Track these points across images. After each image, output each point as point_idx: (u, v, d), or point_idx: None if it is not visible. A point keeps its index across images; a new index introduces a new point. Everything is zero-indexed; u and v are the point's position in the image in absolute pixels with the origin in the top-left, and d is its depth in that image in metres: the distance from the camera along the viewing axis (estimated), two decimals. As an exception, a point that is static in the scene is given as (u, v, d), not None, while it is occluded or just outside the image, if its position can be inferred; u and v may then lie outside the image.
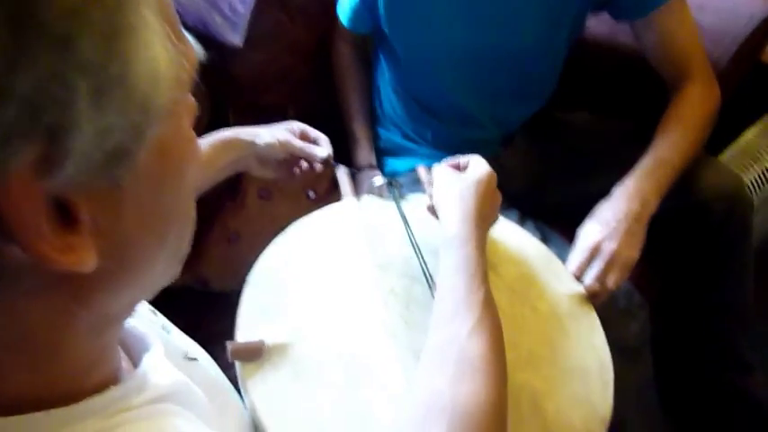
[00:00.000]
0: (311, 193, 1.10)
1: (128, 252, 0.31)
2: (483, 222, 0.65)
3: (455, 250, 0.60)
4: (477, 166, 0.70)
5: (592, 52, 1.11)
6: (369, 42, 1.13)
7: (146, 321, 0.46)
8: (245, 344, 0.55)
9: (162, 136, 0.29)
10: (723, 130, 0.99)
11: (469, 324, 0.53)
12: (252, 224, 1.04)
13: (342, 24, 1.06)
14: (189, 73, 0.30)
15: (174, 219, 0.34)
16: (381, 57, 1.07)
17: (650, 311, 0.90)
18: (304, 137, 0.84)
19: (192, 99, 0.34)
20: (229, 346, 0.54)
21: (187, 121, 0.33)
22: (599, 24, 1.11)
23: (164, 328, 0.50)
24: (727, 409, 1.08)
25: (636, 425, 0.86)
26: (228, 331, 0.61)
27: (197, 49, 0.33)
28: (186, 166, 0.33)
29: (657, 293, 1.02)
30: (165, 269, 0.35)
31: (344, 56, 1.11)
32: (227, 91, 1.09)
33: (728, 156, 1.19)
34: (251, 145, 0.79)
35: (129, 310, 0.36)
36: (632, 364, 0.85)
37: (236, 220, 1.04)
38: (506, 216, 0.92)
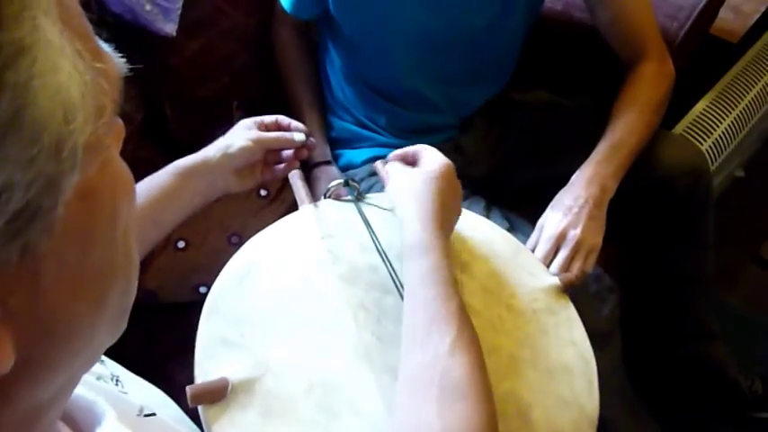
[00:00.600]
0: (263, 192, 1.03)
1: (56, 330, 0.25)
2: (445, 222, 0.60)
3: (419, 260, 0.55)
4: (430, 159, 0.64)
5: (546, 30, 1.08)
6: (312, 27, 1.06)
7: (91, 379, 0.40)
8: (206, 384, 0.49)
9: (85, 180, 0.23)
10: (675, 103, 0.98)
11: (448, 340, 0.49)
12: (199, 229, 0.96)
13: (283, 9, 0.98)
14: (111, 96, 0.24)
15: (112, 274, 0.27)
16: (329, 42, 1.00)
17: (620, 293, 0.89)
18: (263, 128, 0.77)
19: (120, 122, 0.27)
20: (189, 390, 0.48)
21: (115, 151, 0.27)
22: (553, 1, 1.08)
23: (112, 377, 0.43)
24: (692, 377, 1.10)
25: (607, 407, 0.86)
26: (186, 344, 0.55)
27: (119, 63, 0.26)
28: (120, 208, 0.27)
29: (625, 273, 1.01)
30: (109, 333, 0.29)
31: (288, 43, 1.03)
32: (161, 84, 1.00)
33: (682, 128, 1.19)
34: (226, 159, 0.71)
35: (68, 390, 0.30)
36: (603, 348, 0.84)
37: (181, 226, 0.95)
38: (472, 205, 0.89)
